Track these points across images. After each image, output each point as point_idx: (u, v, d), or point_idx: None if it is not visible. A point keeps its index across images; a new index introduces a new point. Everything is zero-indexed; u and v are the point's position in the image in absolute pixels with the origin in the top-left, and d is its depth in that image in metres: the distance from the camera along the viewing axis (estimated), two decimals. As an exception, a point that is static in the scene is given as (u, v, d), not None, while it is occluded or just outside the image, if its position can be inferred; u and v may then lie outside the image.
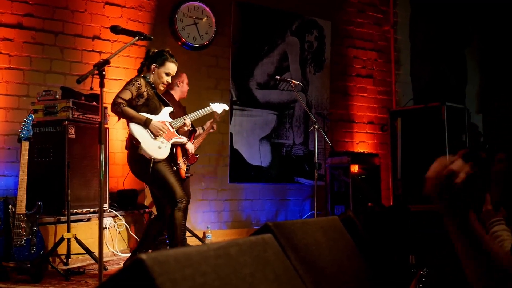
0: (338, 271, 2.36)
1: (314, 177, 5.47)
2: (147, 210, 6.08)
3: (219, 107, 5.12)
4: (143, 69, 4.31)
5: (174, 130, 4.35)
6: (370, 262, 2.73)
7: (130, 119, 4.08)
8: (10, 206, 4.09)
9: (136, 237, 5.83)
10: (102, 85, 2.85)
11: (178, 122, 4.39)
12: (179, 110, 5.67)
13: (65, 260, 4.84)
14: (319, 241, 2.23)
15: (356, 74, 8.20)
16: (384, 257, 3.43)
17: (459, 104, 7.61)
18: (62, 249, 4.78)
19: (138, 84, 4.10)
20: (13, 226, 4.05)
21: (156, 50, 4.29)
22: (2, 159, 5.58)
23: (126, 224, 5.70)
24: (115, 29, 3.18)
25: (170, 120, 4.35)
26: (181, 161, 5.48)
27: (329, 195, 7.23)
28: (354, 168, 7.13)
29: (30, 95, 5.68)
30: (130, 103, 4.08)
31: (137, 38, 3.12)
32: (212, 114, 5.32)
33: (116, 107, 4.02)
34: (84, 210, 5.16)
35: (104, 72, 2.86)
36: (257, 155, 7.18)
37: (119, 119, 4.27)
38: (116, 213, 5.56)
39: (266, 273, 1.49)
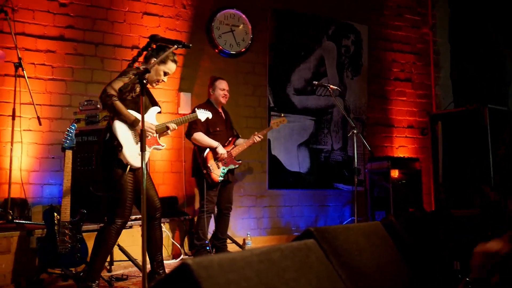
0: (381, 277, 2.32)
1: (354, 183, 5.41)
2: (187, 217, 6.13)
3: (203, 114, 4.72)
4: (137, 59, 3.82)
5: (157, 135, 3.99)
6: (413, 268, 2.69)
7: (117, 115, 3.69)
8: (55, 214, 4.18)
9: (177, 244, 5.89)
10: (143, 93, 2.89)
11: (161, 126, 4.00)
12: (218, 118, 5.71)
13: (108, 267, 4.92)
14: (362, 247, 2.21)
15: (394, 77, 8.11)
16: (427, 263, 3.37)
17: (501, 106, 7.43)
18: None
19: (133, 75, 3.66)
20: (58, 234, 4.14)
21: (160, 44, 3.85)
22: (46, 168, 5.72)
23: (167, 232, 5.75)
24: (154, 38, 3.23)
25: (156, 123, 3.99)
26: (211, 164, 5.52)
27: (369, 200, 7.15)
28: (394, 173, 7.04)
29: (72, 105, 5.82)
30: (120, 95, 3.70)
31: (176, 46, 3.15)
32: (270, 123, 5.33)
33: (107, 99, 3.64)
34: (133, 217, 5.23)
35: (144, 81, 2.90)
36: (295, 161, 7.16)
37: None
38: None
39: (309, 278, 1.48)
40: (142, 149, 2.80)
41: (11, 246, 4.21)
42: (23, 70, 4.77)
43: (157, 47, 3.90)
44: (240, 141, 5.80)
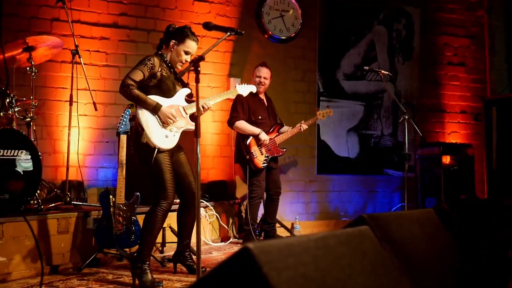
0: (434, 265, 2.32)
1: (404, 169, 5.35)
2: (236, 200, 6.22)
3: (244, 89, 4.45)
4: (162, 46, 3.96)
5: (187, 116, 3.92)
6: (466, 257, 2.66)
7: (138, 103, 3.71)
8: (110, 196, 4.32)
9: (226, 227, 5.99)
10: (197, 80, 2.93)
11: (193, 107, 3.88)
12: (260, 105, 5.72)
13: (160, 248, 5.05)
14: (415, 234, 2.20)
15: (447, 62, 7.92)
16: (480, 252, 3.33)
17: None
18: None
19: (151, 64, 3.74)
20: (114, 215, 4.28)
21: (177, 27, 3.96)
22: (101, 151, 5.90)
23: (217, 214, 5.85)
24: (208, 26, 3.27)
25: (185, 104, 3.93)
26: (255, 150, 5.56)
27: (420, 187, 7.07)
28: (446, 160, 6.92)
29: (126, 90, 5.96)
30: (141, 84, 3.72)
31: (228, 33, 3.18)
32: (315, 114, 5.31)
33: (125, 89, 3.66)
34: (177, 201, 5.33)
35: (199, 68, 2.95)
36: (344, 146, 7.13)
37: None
38: (207, 203, 5.73)
39: (363, 265, 1.50)
40: (197, 135, 2.85)
41: (70, 226, 4.38)
42: (79, 57, 4.91)
43: (174, 30, 3.92)
44: (284, 128, 5.80)
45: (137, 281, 3.74)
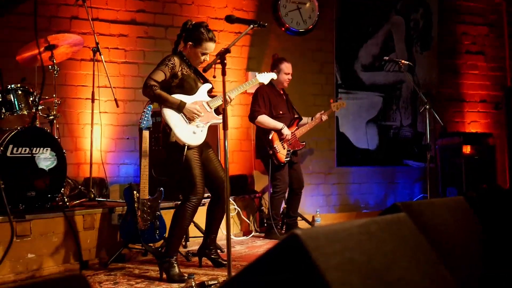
0: (466, 252, 2.31)
1: (425, 159, 5.33)
2: (257, 194, 6.23)
3: (265, 77, 4.45)
4: (179, 41, 3.96)
5: (212, 110, 3.95)
6: (496, 245, 2.65)
7: (163, 102, 3.77)
8: (134, 192, 4.34)
9: (248, 221, 6.01)
10: (224, 73, 2.95)
11: (216, 101, 3.95)
12: (280, 100, 5.73)
13: (183, 243, 5.08)
14: (447, 221, 2.20)
15: (465, 51, 7.85)
16: (509, 240, 3.30)
17: None
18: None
19: (172, 64, 3.79)
20: (138, 211, 4.31)
21: (194, 23, 3.94)
22: (122, 148, 5.94)
23: (238, 209, 5.87)
24: (230, 19, 3.27)
25: (208, 99, 3.97)
26: (277, 145, 5.56)
27: (440, 177, 7.02)
28: (466, 149, 6.87)
29: (144, 87, 5.99)
30: (164, 84, 3.78)
31: (251, 26, 3.19)
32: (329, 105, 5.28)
33: (148, 90, 3.72)
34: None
35: (225, 61, 2.96)
36: (363, 138, 7.11)
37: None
38: (229, 198, 5.74)
39: (405, 250, 1.50)
40: (224, 128, 2.87)
41: (95, 222, 4.42)
42: (100, 54, 4.93)
43: (191, 28, 3.93)
44: (304, 120, 5.80)
45: (164, 275, 3.77)
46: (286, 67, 5.67)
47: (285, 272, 1.13)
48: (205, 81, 4.02)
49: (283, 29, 6.71)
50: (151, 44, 6.12)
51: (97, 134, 5.47)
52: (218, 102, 3.95)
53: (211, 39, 3.88)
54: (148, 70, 5.94)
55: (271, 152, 5.53)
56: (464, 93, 7.80)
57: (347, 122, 7.00)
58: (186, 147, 3.75)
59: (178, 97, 3.81)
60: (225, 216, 3.60)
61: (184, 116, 3.80)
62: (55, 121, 4.71)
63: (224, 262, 4.13)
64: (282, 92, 5.78)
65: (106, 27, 5.88)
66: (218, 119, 3.93)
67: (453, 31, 7.79)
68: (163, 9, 6.18)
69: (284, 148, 5.59)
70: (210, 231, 4.15)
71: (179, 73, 3.84)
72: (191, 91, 3.90)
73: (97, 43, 4.97)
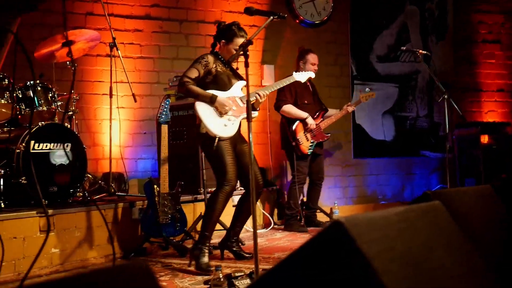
0: (495, 240, 2.29)
1: (442, 150, 5.30)
2: (275, 187, 6.23)
3: (302, 76, 4.52)
4: (216, 44, 4.13)
5: (243, 105, 4.01)
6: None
7: (196, 97, 3.92)
8: (154, 186, 4.36)
9: (267, 214, 6.01)
10: (247, 64, 2.95)
11: (250, 96, 3.99)
12: (306, 90, 5.73)
13: (203, 236, 5.09)
14: (477, 210, 2.18)
15: (482, 40, 7.77)
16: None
17: None
18: (199, 226, 5.04)
19: (205, 61, 3.94)
20: (159, 205, 4.33)
21: (226, 24, 4.11)
22: (139, 143, 5.96)
23: (260, 204, 5.86)
24: (249, 10, 3.27)
25: (242, 95, 4.08)
26: (301, 137, 5.56)
27: (458, 167, 6.98)
28: (484, 139, 6.83)
29: (160, 81, 6.01)
30: (198, 81, 3.93)
31: (271, 18, 3.18)
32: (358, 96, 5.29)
33: (183, 86, 3.90)
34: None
35: (248, 52, 2.96)
36: (380, 129, 7.08)
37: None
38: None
39: (441, 238, 1.50)
40: (249, 119, 2.88)
41: (116, 217, 4.44)
42: (117, 49, 4.94)
43: (223, 28, 4.08)
44: (331, 112, 5.80)
45: (193, 263, 3.82)
46: (312, 57, 5.70)
47: (330, 260, 1.13)
48: (240, 78, 4.15)
49: (297, 21, 6.67)
50: (166, 39, 6.12)
51: (115, 129, 5.49)
52: (252, 98, 4.05)
53: (242, 36, 4.02)
54: (164, 65, 6.08)
55: (294, 143, 5.55)
56: (481, 82, 7.73)
57: (364, 114, 6.97)
58: (217, 138, 3.86)
59: (212, 92, 3.95)
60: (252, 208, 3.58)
61: (215, 109, 3.92)
62: (74, 117, 4.73)
63: (246, 255, 4.14)
64: (308, 83, 5.78)
65: (121, 23, 5.89)
66: (252, 114, 3.92)
67: (468, 20, 7.72)
68: (177, 3, 6.18)
69: (307, 140, 5.59)
70: (235, 224, 4.18)
71: (213, 70, 3.97)
72: (224, 87, 4.01)
73: (113, 38, 4.98)
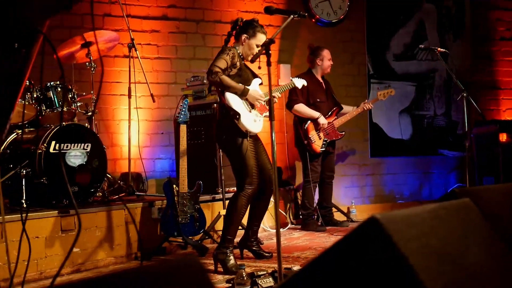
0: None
1: (459, 148, 5.26)
2: (292, 187, 6.22)
3: (299, 82, 4.58)
4: (229, 40, 4.09)
5: (265, 103, 4.04)
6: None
7: (227, 88, 3.86)
8: (174, 186, 4.38)
9: (283, 213, 6.01)
10: (269, 63, 2.96)
11: (267, 96, 4.01)
12: (319, 88, 5.73)
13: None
14: (505, 207, 2.16)
15: (500, 37, 7.69)
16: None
17: None
18: (218, 225, 5.06)
19: (232, 53, 3.91)
20: (178, 204, 4.34)
21: (245, 20, 4.09)
22: (157, 143, 5.99)
23: (273, 201, 5.86)
24: (269, 10, 3.27)
25: (261, 92, 4.09)
26: (313, 135, 5.55)
27: (477, 166, 6.92)
28: (503, 137, 6.75)
29: (177, 81, 6.03)
30: (224, 72, 3.88)
31: (292, 16, 3.18)
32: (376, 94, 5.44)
33: (214, 76, 3.79)
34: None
35: (270, 51, 2.96)
36: (397, 128, 7.04)
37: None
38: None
39: (474, 236, 1.49)
40: (271, 118, 2.87)
41: (136, 216, 4.47)
42: (136, 50, 4.97)
43: (244, 24, 4.05)
44: (346, 109, 5.79)
45: (219, 266, 3.82)
46: (327, 53, 5.74)
47: (365, 256, 1.13)
48: (255, 76, 4.14)
49: (313, 20, 6.66)
50: (183, 39, 6.14)
51: (133, 130, 5.52)
52: (267, 98, 4.02)
53: (264, 32, 4.03)
54: (181, 65, 6.10)
55: (306, 142, 5.54)
56: (499, 80, 7.66)
57: (381, 113, 6.93)
58: (247, 134, 3.86)
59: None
60: (269, 208, 3.58)
61: (246, 103, 3.92)
62: (93, 118, 4.77)
63: (266, 254, 4.15)
64: (321, 80, 5.77)
65: (138, 24, 5.92)
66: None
67: (486, 18, 7.65)
68: (194, 3, 6.20)
69: (320, 138, 5.58)
70: (252, 223, 4.17)
71: (238, 63, 3.96)
72: (247, 81, 4.02)
73: (132, 39, 5.01)
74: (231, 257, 3.80)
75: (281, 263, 2.65)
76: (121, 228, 4.33)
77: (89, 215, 4.08)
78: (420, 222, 1.26)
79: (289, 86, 4.57)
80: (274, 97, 4.07)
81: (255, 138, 4.03)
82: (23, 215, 2.89)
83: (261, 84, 4.15)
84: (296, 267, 3.19)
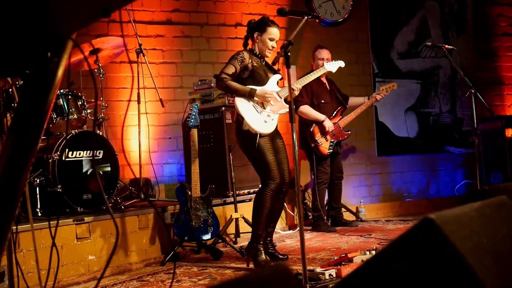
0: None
1: (466, 145, 5.25)
2: (301, 188, 6.21)
3: (333, 66, 4.56)
4: (247, 43, 4.19)
5: (282, 100, 4.07)
6: None
7: (234, 92, 3.99)
8: (186, 190, 4.37)
9: (293, 215, 6.00)
10: (288, 65, 2.95)
11: (285, 91, 4.04)
12: (323, 89, 5.72)
13: (234, 239, 5.09)
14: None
15: (502, 33, 7.71)
16: None
17: None
18: (230, 229, 5.05)
19: (241, 57, 3.98)
20: (191, 209, 4.33)
21: (256, 20, 4.16)
22: (164, 148, 5.98)
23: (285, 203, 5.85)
24: (282, 11, 3.27)
25: (278, 89, 4.11)
26: (319, 138, 5.54)
27: (483, 162, 6.92)
28: (509, 133, 6.76)
29: (183, 86, 6.03)
30: (235, 77, 3.98)
31: (306, 17, 3.17)
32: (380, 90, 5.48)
33: (220, 83, 3.94)
34: (246, 191, 5.38)
35: (289, 53, 2.96)
36: (403, 126, 7.05)
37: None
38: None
39: (517, 233, 1.48)
40: (292, 120, 2.87)
41: (149, 222, 4.45)
42: (144, 55, 4.97)
43: (254, 24, 4.12)
44: (357, 100, 5.76)
45: (250, 262, 3.93)
46: (319, 52, 5.74)
47: (422, 257, 1.12)
48: (275, 72, 4.18)
49: (317, 20, 6.65)
50: (188, 43, 6.14)
51: (142, 135, 5.51)
52: (287, 92, 3.98)
53: (275, 25, 4.08)
54: (186, 69, 6.10)
55: (313, 145, 5.53)
56: (503, 75, 7.67)
57: (386, 111, 6.94)
58: (258, 135, 3.89)
59: (252, 87, 3.98)
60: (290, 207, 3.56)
61: (255, 105, 3.97)
62: (103, 124, 4.76)
63: (281, 257, 4.14)
64: (325, 81, 5.77)
65: (143, 29, 5.91)
66: (286, 110, 4.04)
67: (488, 14, 7.66)
68: (198, 7, 6.20)
69: (327, 140, 5.57)
70: (268, 225, 4.15)
71: (249, 65, 4.03)
72: (261, 81, 4.06)
73: (140, 45, 5.00)
74: (262, 252, 3.93)
75: (305, 264, 2.64)
76: (135, 234, 4.32)
77: (104, 222, 4.06)
78: (470, 222, 1.26)
79: (319, 73, 4.55)
80: (293, 89, 4.03)
81: (272, 135, 4.06)
82: (51, 222, 2.87)
83: (281, 79, 4.20)
84: (318, 269, 3.18)
